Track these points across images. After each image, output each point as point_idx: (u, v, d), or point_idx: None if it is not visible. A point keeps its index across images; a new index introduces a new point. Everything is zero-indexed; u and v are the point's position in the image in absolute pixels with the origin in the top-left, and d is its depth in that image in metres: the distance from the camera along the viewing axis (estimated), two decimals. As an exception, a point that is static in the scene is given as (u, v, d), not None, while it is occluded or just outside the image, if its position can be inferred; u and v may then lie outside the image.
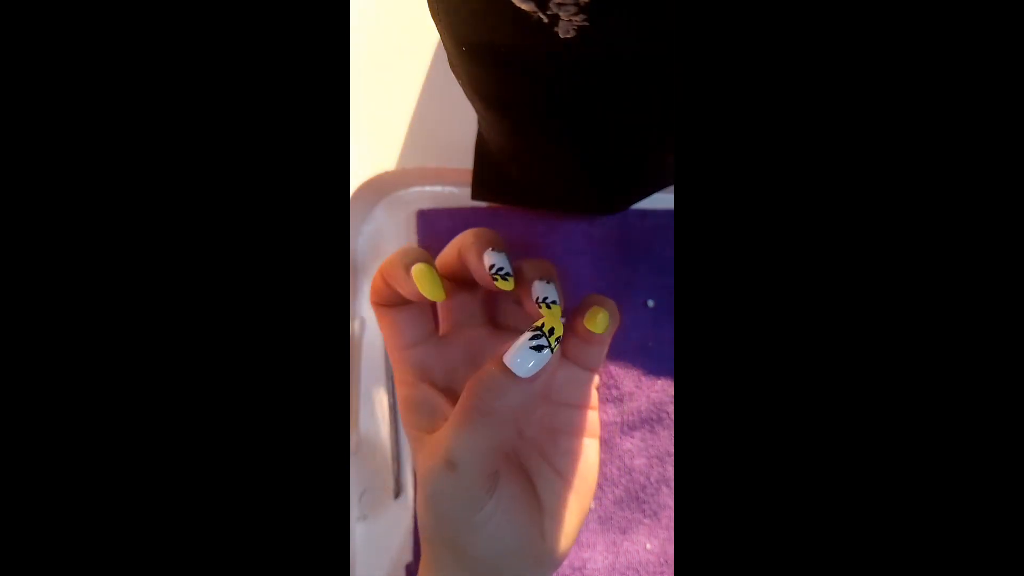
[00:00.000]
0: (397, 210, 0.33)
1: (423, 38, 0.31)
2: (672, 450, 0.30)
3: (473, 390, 0.19)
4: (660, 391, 0.30)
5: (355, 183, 0.31)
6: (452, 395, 0.23)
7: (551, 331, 0.19)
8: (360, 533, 0.31)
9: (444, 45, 0.20)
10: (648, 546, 0.29)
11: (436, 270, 0.20)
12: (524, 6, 0.14)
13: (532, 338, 0.19)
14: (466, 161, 0.28)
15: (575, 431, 0.23)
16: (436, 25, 0.18)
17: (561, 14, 0.14)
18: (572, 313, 0.22)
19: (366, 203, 0.32)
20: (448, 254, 0.22)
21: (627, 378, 0.30)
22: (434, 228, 0.31)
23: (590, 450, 0.23)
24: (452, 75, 0.21)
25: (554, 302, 0.20)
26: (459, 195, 0.32)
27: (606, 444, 0.30)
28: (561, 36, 0.15)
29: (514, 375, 0.19)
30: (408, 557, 0.30)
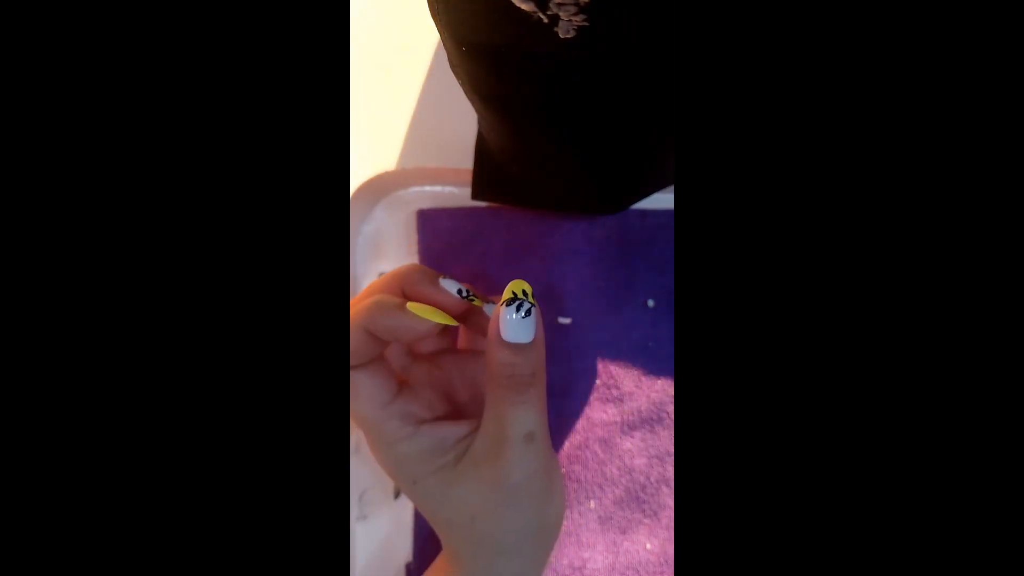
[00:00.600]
0: (397, 210, 0.33)
1: (423, 38, 0.31)
2: (672, 450, 0.30)
3: (496, 377, 0.20)
4: (660, 391, 0.30)
5: (355, 183, 0.31)
6: (454, 418, 0.23)
7: (523, 292, 0.20)
8: (360, 533, 0.31)
9: (444, 45, 0.20)
10: (648, 546, 0.29)
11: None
12: (524, 6, 0.14)
13: (515, 307, 0.19)
14: (466, 161, 0.28)
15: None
16: (436, 25, 0.18)
17: (561, 14, 0.14)
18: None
19: (366, 203, 0.32)
20: (387, 292, 0.22)
21: (627, 378, 0.30)
22: (434, 228, 0.31)
23: None
24: (452, 75, 0.21)
25: (468, 293, 0.22)
26: (459, 195, 0.32)
27: (606, 444, 0.30)
28: (561, 36, 0.15)
29: (518, 344, 0.19)
30: (408, 557, 0.30)
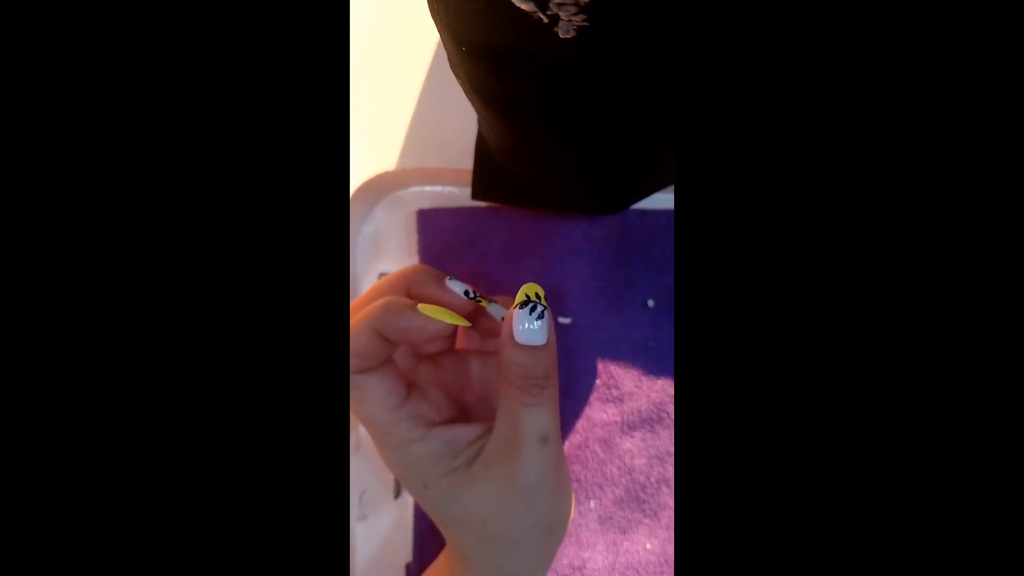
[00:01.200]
0: (397, 210, 0.33)
1: (423, 38, 0.31)
2: (672, 450, 0.30)
3: (510, 379, 0.20)
4: (660, 391, 0.30)
5: (355, 183, 0.31)
6: (461, 419, 0.23)
7: (536, 295, 0.20)
8: (360, 533, 0.31)
9: (444, 45, 0.20)
10: (648, 546, 0.29)
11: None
12: (524, 6, 0.14)
13: (529, 310, 0.20)
14: (466, 161, 0.28)
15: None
16: (436, 25, 0.18)
17: (561, 14, 0.14)
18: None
19: (366, 203, 0.32)
20: (392, 293, 0.22)
21: (627, 378, 0.30)
22: (434, 228, 0.31)
23: None
24: (452, 75, 0.21)
25: (475, 294, 0.22)
26: (459, 195, 0.32)
27: (606, 444, 0.30)
28: (561, 36, 0.15)
29: (532, 346, 0.20)
30: (408, 557, 0.30)
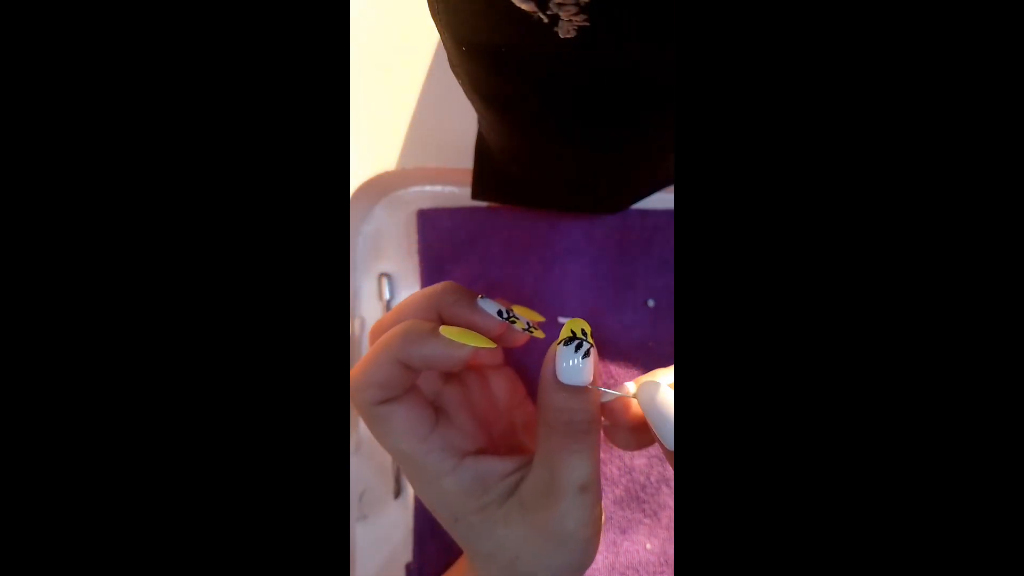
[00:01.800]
0: (397, 210, 0.33)
1: (423, 38, 0.31)
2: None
3: (552, 424, 0.19)
4: (660, 391, 0.30)
5: (355, 183, 0.31)
6: (488, 443, 0.23)
7: (582, 331, 0.19)
8: (360, 533, 0.31)
9: (444, 45, 0.20)
10: (648, 546, 0.29)
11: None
12: (524, 6, 0.14)
13: (573, 347, 0.19)
14: (466, 161, 0.28)
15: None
16: (436, 25, 0.18)
17: (561, 14, 0.14)
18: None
19: (366, 203, 0.32)
20: (421, 313, 0.21)
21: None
22: (434, 228, 0.31)
23: None
24: (452, 75, 0.21)
25: (509, 314, 0.21)
26: (459, 195, 0.32)
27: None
28: (561, 36, 0.15)
29: (577, 390, 0.19)
30: (408, 557, 0.30)
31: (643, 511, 0.29)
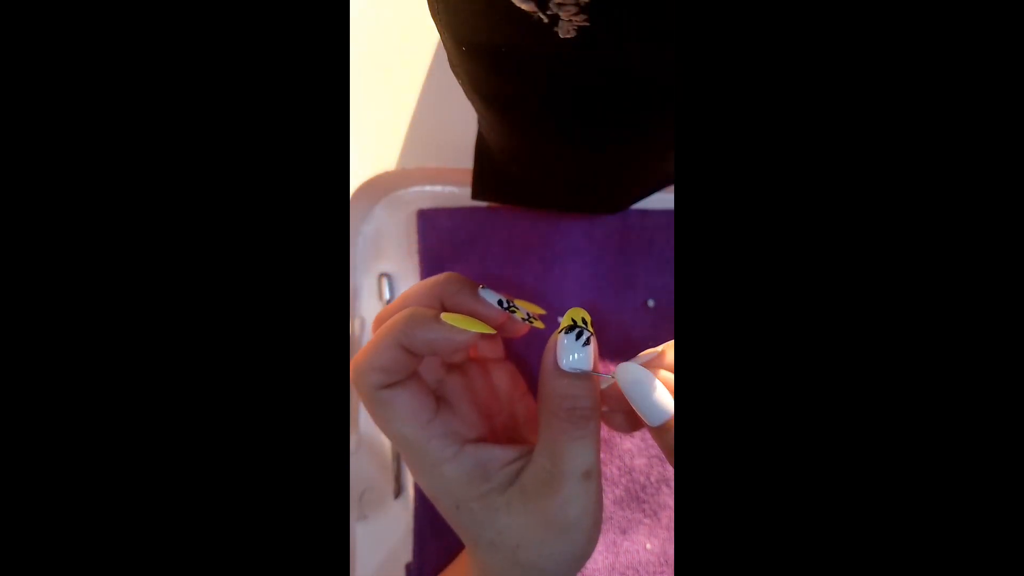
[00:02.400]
0: (397, 210, 0.33)
1: (423, 38, 0.31)
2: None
3: (554, 410, 0.20)
4: (660, 391, 0.30)
5: (355, 183, 0.31)
6: (490, 433, 0.23)
7: (582, 320, 0.20)
8: (360, 533, 0.31)
9: (444, 45, 0.20)
10: (648, 546, 0.29)
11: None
12: (524, 6, 0.14)
13: (575, 335, 0.19)
14: (466, 161, 0.28)
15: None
16: (436, 25, 0.18)
17: (561, 14, 0.14)
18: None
19: (366, 203, 0.32)
20: (424, 302, 0.22)
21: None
22: (434, 228, 0.31)
23: None
24: (452, 75, 0.21)
25: (509, 303, 0.21)
26: (459, 195, 0.32)
27: (606, 444, 0.30)
28: (561, 36, 0.15)
29: (578, 376, 0.19)
30: (408, 557, 0.30)
31: (643, 511, 0.29)
